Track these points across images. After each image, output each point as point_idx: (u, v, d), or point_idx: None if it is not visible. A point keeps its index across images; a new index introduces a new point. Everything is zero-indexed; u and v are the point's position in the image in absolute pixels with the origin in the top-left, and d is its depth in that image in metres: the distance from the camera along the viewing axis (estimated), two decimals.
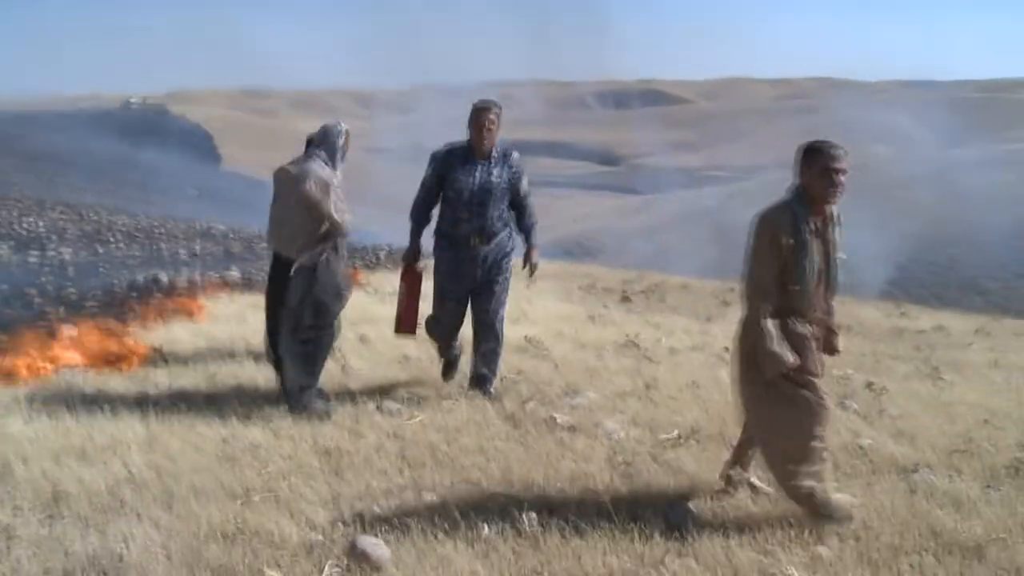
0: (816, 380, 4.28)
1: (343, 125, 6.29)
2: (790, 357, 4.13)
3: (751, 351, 4.25)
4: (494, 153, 6.15)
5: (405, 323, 6.51)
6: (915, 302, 27.63)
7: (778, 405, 4.24)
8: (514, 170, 6.21)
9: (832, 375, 7.88)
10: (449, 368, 6.72)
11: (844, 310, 16.00)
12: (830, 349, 4.54)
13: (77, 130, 75.53)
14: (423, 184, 6.26)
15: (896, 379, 8.14)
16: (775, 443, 4.31)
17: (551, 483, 4.66)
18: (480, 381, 6.43)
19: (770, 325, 4.17)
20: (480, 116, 6.02)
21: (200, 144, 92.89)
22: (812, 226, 4.22)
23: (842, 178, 4.15)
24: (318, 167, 5.98)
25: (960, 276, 43.06)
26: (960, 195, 51.73)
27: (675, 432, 5.60)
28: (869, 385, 7.54)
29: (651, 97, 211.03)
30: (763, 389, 4.26)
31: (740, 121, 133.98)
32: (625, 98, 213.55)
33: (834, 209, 4.31)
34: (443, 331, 6.42)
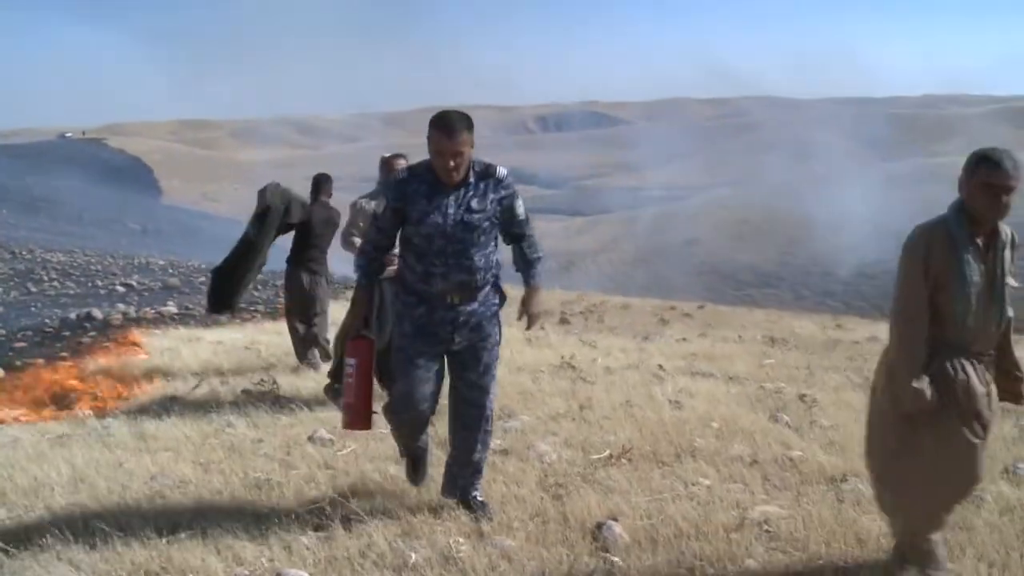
0: (973, 428, 3.67)
1: (386, 154, 7.05)
2: (927, 393, 3.61)
3: (888, 384, 3.78)
4: (470, 176, 4.33)
5: (357, 413, 4.57)
6: (855, 314, 28.14)
7: (916, 452, 3.72)
8: (502, 194, 4.41)
9: (765, 388, 7.99)
10: (417, 467, 4.81)
11: (781, 324, 16.27)
12: (1011, 395, 3.92)
13: (10, 164, 74.16)
14: (374, 223, 4.63)
15: (828, 390, 8.26)
16: (905, 495, 3.83)
17: (476, 512, 4.65)
18: (464, 489, 4.69)
19: (911, 355, 3.68)
20: (443, 142, 4.15)
21: (140, 177, 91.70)
22: (973, 246, 3.62)
23: (1006, 198, 3.51)
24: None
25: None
26: (893, 208, 52.88)
27: (607, 452, 5.63)
28: (801, 397, 7.65)
29: (592, 119, 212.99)
30: (902, 430, 3.76)
31: (679, 141, 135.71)
32: (566, 120, 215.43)
33: (1007, 229, 3.71)
34: (409, 412, 4.44)
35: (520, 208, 4.53)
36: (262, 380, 7.64)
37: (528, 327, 4.85)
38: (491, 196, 4.37)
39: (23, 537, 4.34)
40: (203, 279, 19.10)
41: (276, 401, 7.02)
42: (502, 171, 4.46)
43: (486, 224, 4.34)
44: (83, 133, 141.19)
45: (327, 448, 5.72)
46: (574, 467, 5.40)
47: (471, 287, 4.37)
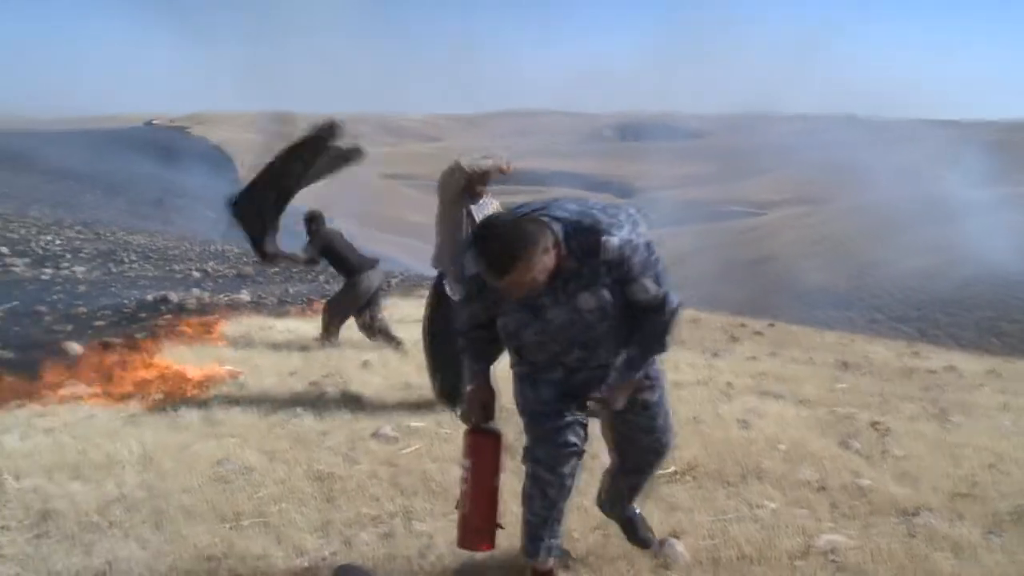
0: None
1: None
2: None
3: None
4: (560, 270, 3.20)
5: (476, 531, 3.59)
6: (929, 342, 27.46)
7: None
8: (613, 268, 3.25)
9: (835, 413, 7.82)
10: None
11: (854, 347, 15.93)
12: None
13: (98, 150, 76.18)
14: (465, 295, 3.54)
15: (902, 419, 8.05)
16: None
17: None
18: (644, 538, 4.17)
19: None
20: (501, 275, 3.08)
21: (220, 166, 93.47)
22: None
23: None
24: None
25: (977, 317, 42.75)
26: (978, 235, 51.56)
27: (671, 468, 5.54)
28: (874, 424, 7.46)
29: (671, 130, 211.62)
30: None
31: (758, 155, 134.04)
32: (645, 130, 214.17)
33: None
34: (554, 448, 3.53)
35: (642, 275, 3.35)
36: (329, 373, 7.70)
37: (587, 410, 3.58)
38: (601, 280, 3.26)
39: (95, 511, 4.42)
40: (277, 269, 19.39)
41: (342, 395, 7.07)
42: (608, 242, 3.20)
43: (608, 315, 3.35)
44: (171, 121, 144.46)
45: (391, 445, 5.73)
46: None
47: (602, 361, 3.50)
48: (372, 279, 9.48)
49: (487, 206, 6.57)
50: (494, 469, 3.59)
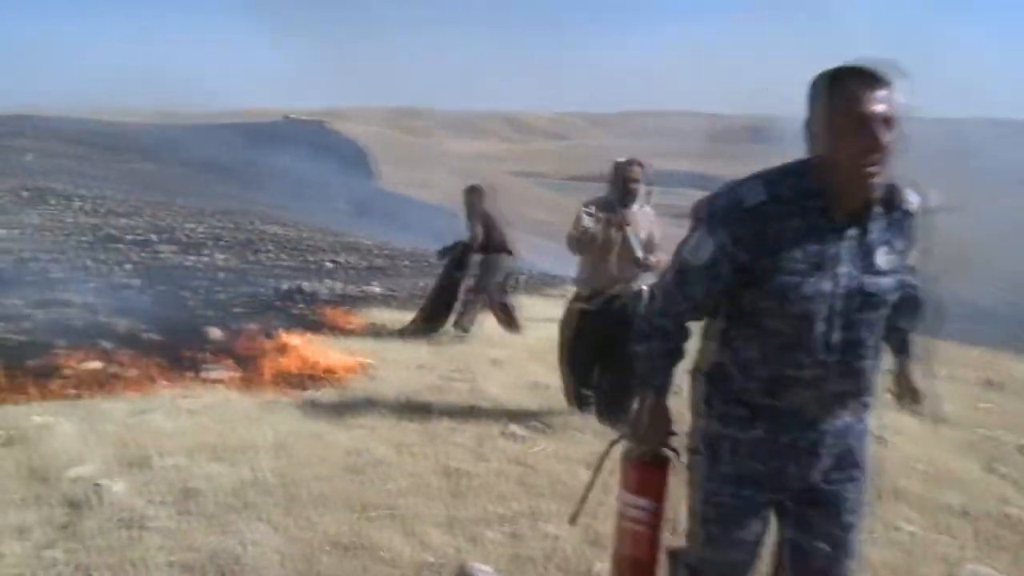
0: None
1: (620, 159, 6.41)
2: None
3: None
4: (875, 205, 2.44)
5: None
6: None
7: None
8: (907, 235, 2.56)
9: (979, 434, 7.46)
10: None
11: (998, 364, 15.18)
12: None
13: (239, 143, 78.96)
14: (679, 283, 2.60)
15: None
16: None
17: (669, 523, 4.52)
18: None
19: None
20: (868, 106, 2.25)
21: (355, 160, 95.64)
22: None
23: None
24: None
25: None
26: None
27: None
28: (1021, 448, 7.09)
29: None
30: None
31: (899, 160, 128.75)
32: (776, 133, 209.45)
33: None
34: None
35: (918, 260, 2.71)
36: (459, 368, 7.76)
37: (913, 402, 2.93)
38: (897, 243, 2.50)
39: (232, 494, 4.56)
40: (408, 263, 19.71)
41: (471, 391, 7.11)
42: (913, 197, 2.54)
43: (892, 294, 2.52)
44: (308, 115, 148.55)
45: (519, 444, 5.73)
46: None
47: (854, 396, 2.56)
48: (509, 262, 9.78)
49: (640, 214, 6.27)
50: (663, 510, 2.89)
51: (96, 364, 7.36)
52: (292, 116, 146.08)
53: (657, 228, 6.35)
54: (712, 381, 2.66)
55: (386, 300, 12.47)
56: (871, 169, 2.28)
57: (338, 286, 13.33)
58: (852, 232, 2.41)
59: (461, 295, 9.77)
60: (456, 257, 9.87)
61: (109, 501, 4.38)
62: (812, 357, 2.45)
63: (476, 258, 9.72)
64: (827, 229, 2.39)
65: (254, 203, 39.03)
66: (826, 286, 2.40)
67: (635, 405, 2.82)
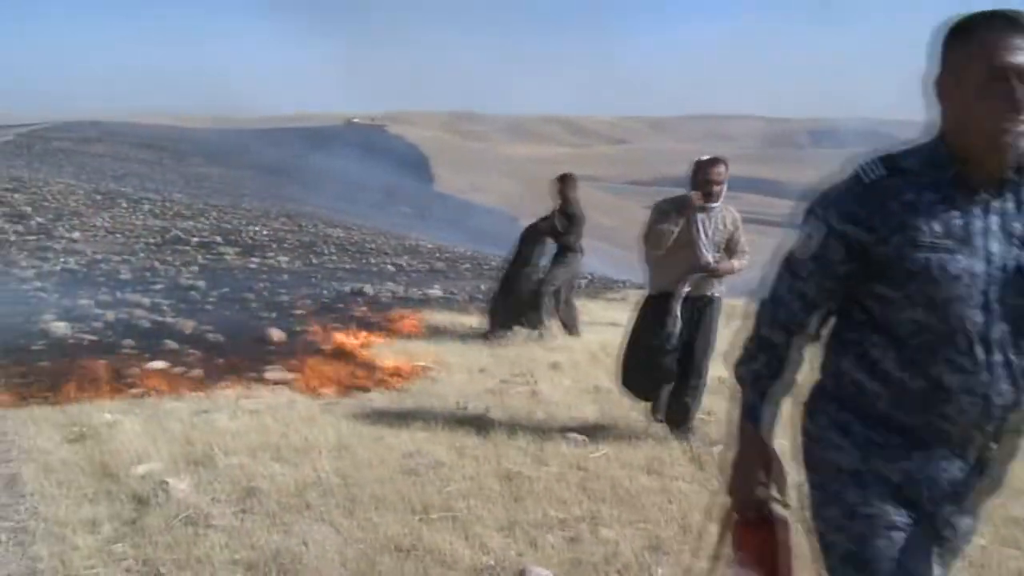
0: None
1: (702, 157, 6.00)
2: None
3: None
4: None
5: None
6: None
7: None
8: None
9: None
10: None
11: None
12: None
13: (303, 146, 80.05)
14: (788, 282, 2.23)
15: None
16: None
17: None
18: None
19: None
20: (1010, 52, 1.86)
21: (414, 164, 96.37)
22: None
23: None
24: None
25: None
26: None
27: None
28: None
29: (869, 136, 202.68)
30: None
31: None
32: (841, 135, 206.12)
33: None
34: None
35: None
36: (519, 372, 7.76)
37: None
38: None
39: (293, 494, 4.60)
40: (468, 266, 19.79)
41: (532, 394, 7.09)
42: None
43: None
44: (372, 120, 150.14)
45: (580, 448, 5.70)
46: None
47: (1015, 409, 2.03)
48: (577, 263, 9.81)
49: (719, 215, 5.93)
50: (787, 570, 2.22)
51: (162, 364, 7.50)
52: (354, 120, 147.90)
53: (741, 231, 6.06)
54: (839, 400, 2.19)
55: (446, 303, 12.52)
56: (1013, 129, 1.90)
57: (399, 289, 13.43)
58: (997, 204, 2.00)
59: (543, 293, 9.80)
60: (522, 251, 9.87)
61: (174, 498, 4.45)
62: (970, 357, 1.97)
63: (544, 252, 9.74)
64: (966, 201, 1.99)
65: (316, 206, 39.51)
66: (977, 266, 1.96)
67: (731, 447, 2.33)
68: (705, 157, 5.93)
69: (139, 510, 4.36)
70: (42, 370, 7.25)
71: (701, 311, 5.95)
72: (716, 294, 6.01)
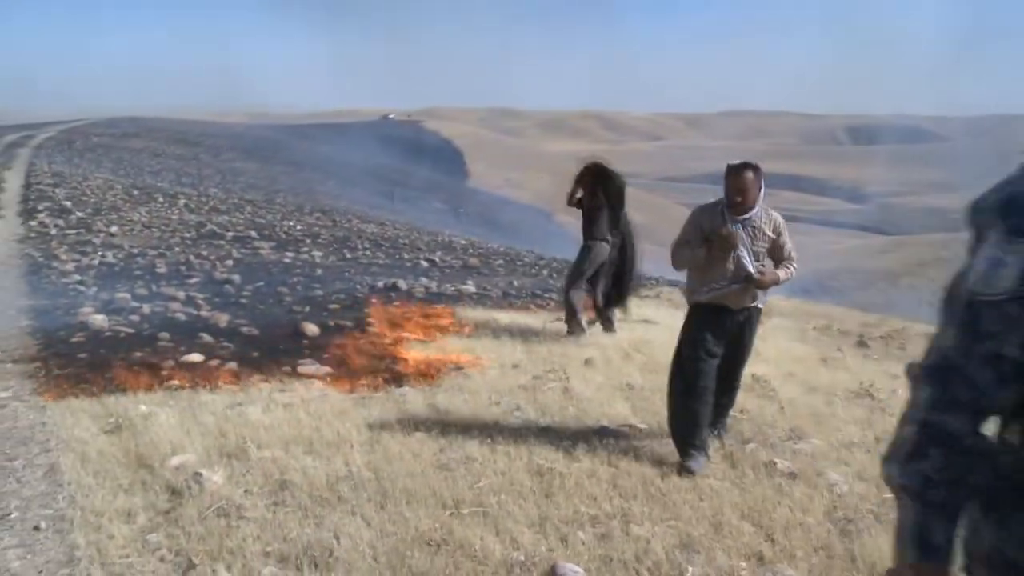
0: None
1: (732, 162, 5.46)
2: None
3: None
4: None
5: None
6: None
7: None
8: None
9: None
10: None
11: None
12: None
13: (339, 142, 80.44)
14: (969, 338, 1.55)
15: None
16: None
17: (763, 530, 4.44)
18: None
19: None
20: None
21: (450, 159, 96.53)
22: None
23: None
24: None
25: None
26: None
27: None
28: None
29: (908, 132, 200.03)
30: None
31: (1005, 161, 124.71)
32: (879, 132, 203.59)
33: None
34: None
35: None
36: (552, 368, 7.75)
37: None
38: None
39: (326, 487, 4.63)
40: (502, 262, 19.78)
41: (564, 390, 7.08)
42: None
43: None
44: (408, 116, 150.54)
45: (611, 445, 5.68)
46: (866, 503, 5.03)
47: None
48: (604, 250, 9.74)
49: (760, 220, 5.48)
50: None
51: (197, 357, 7.56)
52: (392, 116, 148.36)
53: (787, 236, 5.57)
54: None
55: (480, 299, 12.51)
56: None
57: (432, 284, 13.44)
58: None
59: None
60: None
61: (208, 490, 4.50)
62: None
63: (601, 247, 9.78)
64: None
65: (351, 201, 39.67)
66: None
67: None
68: (735, 162, 5.43)
69: (173, 501, 4.42)
70: (81, 362, 7.35)
71: (743, 324, 5.68)
72: (759, 305, 5.71)
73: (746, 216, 5.41)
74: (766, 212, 5.50)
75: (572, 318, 9.72)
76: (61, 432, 5.51)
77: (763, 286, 5.49)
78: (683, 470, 5.25)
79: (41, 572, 3.78)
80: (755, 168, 5.35)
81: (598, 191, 9.60)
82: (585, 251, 9.69)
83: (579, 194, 9.69)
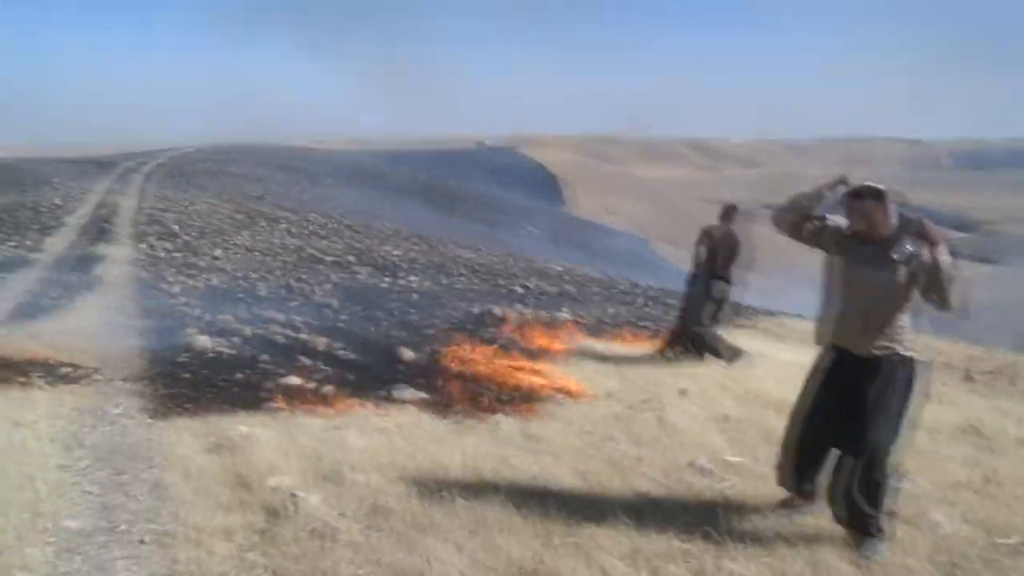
0: None
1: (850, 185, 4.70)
2: None
3: None
4: None
5: None
6: None
7: None
8: None
9: None
10: None
11: None
12: None
13: (436, 168, 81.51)
14: None
15: None
16: None
17: (861, 570, 4.30)
18: None
19: None
20: None
21: (545, 185, 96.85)
22: None
23: None
24: None
25: None
26: None
27: (1015, 537, 4.98)
28: None
29: (1018, 157, 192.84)
30: None
31: None
32: (987, 157, 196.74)
33: None
34: None
35: None
36: (647, 398, 7.67)
37: None
38: None
39: (419, 512, 4.66)
40: (597, 289, 19.73)
41: (659, 421, 7.00)
42: None
43: None
44: (503, 142, 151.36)
45: (707, 478, 5.59)
46: (973, 547, 4.83)
47: None
48: (721, 289, 10.03)
49: (898, 251, 4.52)
50: None
51: (296, 380, 7.71)
52: (487, 143, 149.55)
53: (944, 267, 4.44)
54: None
55: (575, 326, 12.48)
56: None
57: (527, 311, 13.46)
58: None
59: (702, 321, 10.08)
60: (692, 282, 10.20)
61: (303, 511, 4.58)
62: None
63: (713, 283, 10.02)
64: None
65: (448, 227, 40.08)
66: None
67: None
68: (855, 187, 4.62)
69: (270, 520, 4.50)
70: (185, 381, 7.57)
71: (863, 372, 4.63)
72: (904, 353, 4.61)
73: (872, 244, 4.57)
74: (911, 241, 4.54)
75: (717, 347, 10.00)
76: (165, 449, 5.68)
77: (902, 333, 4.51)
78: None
79: None
80: (876, 194, 4.55)
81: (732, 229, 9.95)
82: (707, 287, 9.97)
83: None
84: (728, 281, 10.04)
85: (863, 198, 4.54)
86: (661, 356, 10.06)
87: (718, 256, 9.87)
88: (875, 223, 4.52)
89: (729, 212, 10.14)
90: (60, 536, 4.37)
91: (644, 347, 10.97)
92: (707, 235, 9.91)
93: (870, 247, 4.56)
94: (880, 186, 4.54)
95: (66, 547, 4.25)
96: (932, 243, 4.47)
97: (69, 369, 7.81)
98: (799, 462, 4.92)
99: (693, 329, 10.01)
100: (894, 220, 4.55)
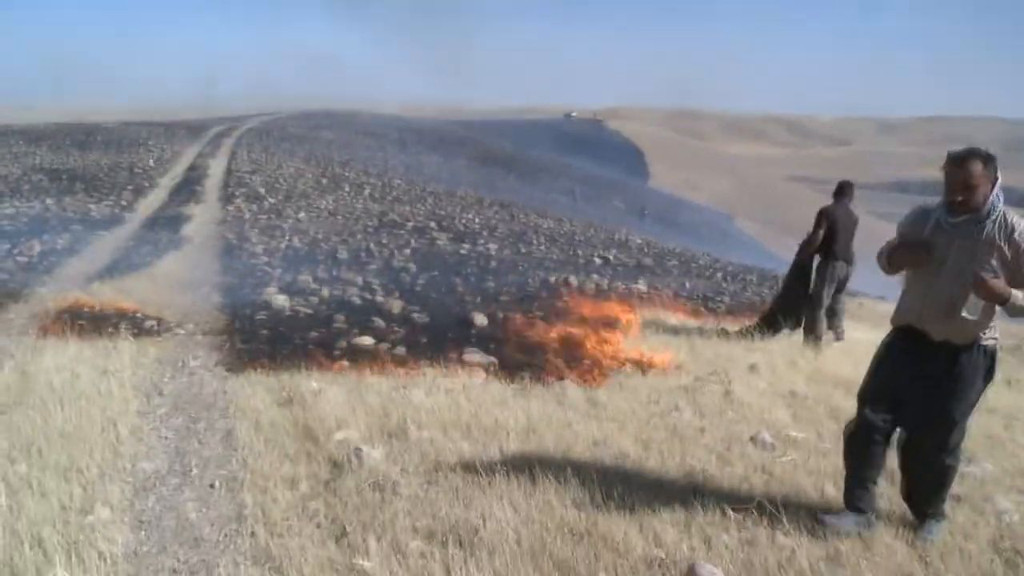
0: None
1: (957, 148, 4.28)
2: None
3: None
4: None
5: None
6: None
7: None
8: None
9: None
10: None
11: None
12: None
13: (520, 138, 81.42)
14: None
15: None
16: None
17: (917, 551, 4.26)
18: None
19: None
20: None
21: (630, 159, 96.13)
22: None
23: None
24: None
25: None
26: None
27: None
28: None
29: None
30: None
31: None
32: None
33: None
34: None
35: None
36: (715, 371, 7.65)
37: None
38: None
39: (478, 471, 4.75)
40: (675, 263, 19.61)
41: (725, 394, 6.98)
42: None
43: None
44: (593, 114, 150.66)
45: (767, 452, 5.57)
46: None
47: None
48: (841, 270, 9.85)
49: (990, 228, 4.13)
50: None
51: (368, 340, 7.88)
52: (574, 114, 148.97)
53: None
54: None
55: (650, 299, 12.46)
56: None
57: (603, 282, 13.47)
58: None
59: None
60: (801, 262, 10.01)
61: (367, 465, 4.72)
62: None
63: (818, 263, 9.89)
64: None
65: (530, 196, 40.10)
66: None
67: None
68: (957, 151, 4.24)
69: (334, 472, 4.66)
70: (262, 338, 7.80)
71: (943, 361, 4.35)
72: (981, 341, 4.32)
73: (965, 217, 4.18)
74: (1004, 217, 4.14)
75: (814, 332, 9.88)
76: (239, 401, 5.90)
77: (981, 293, 4.08)
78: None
79: (213, 525, 4.09)
80: (985, 158, 4.13)
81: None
82: (829, 269, 9.83)
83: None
84: (848, 261, 9.82)
85: (966, 161, 4.12)
86: (746, 333, 9.89)
87: (838, 236, 9.62)
88: (974, 187, 4.08)
89: (844, 189, 9.90)
90: (137, 476, 4.61)
91: (719, 322, 10.91)
92: (824, 216, 9.62)
93: (962, 227, 4.18)
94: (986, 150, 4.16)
95: (142, 487, 4.49)
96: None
97: (154, 323, 8.13)
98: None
99: (810, 314, 9.85)
100: (996, 192, 4.16)
